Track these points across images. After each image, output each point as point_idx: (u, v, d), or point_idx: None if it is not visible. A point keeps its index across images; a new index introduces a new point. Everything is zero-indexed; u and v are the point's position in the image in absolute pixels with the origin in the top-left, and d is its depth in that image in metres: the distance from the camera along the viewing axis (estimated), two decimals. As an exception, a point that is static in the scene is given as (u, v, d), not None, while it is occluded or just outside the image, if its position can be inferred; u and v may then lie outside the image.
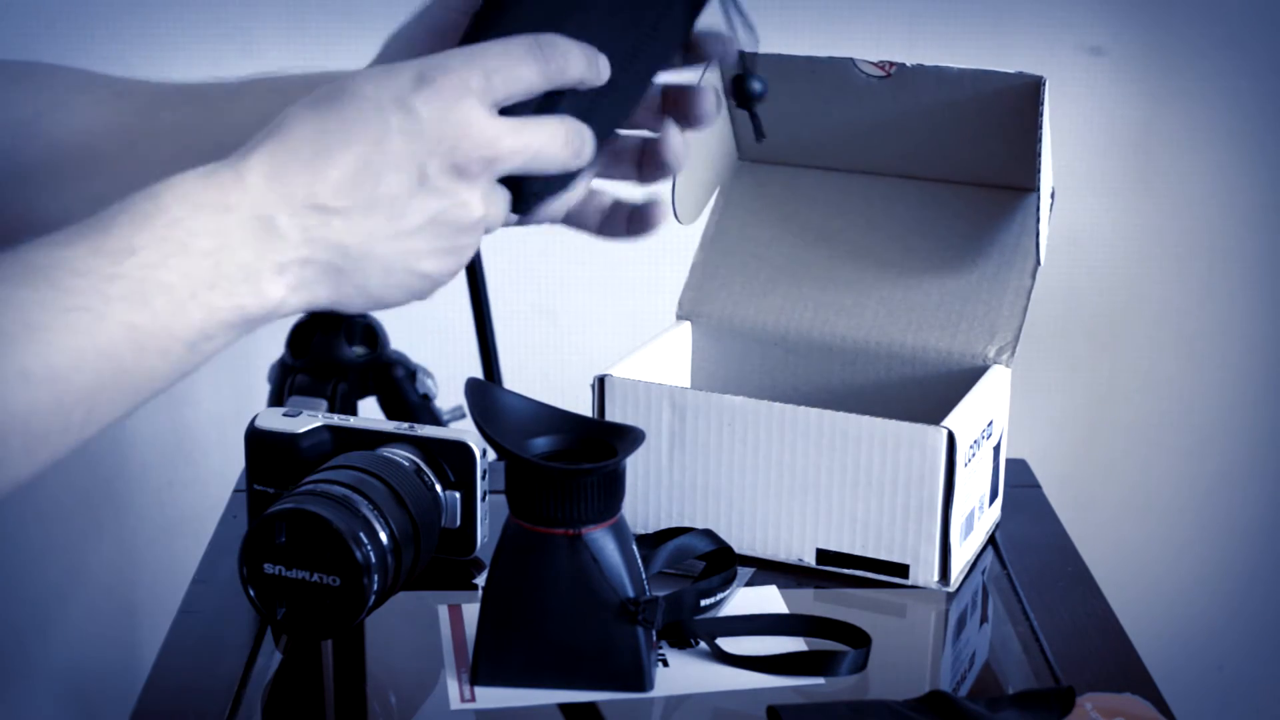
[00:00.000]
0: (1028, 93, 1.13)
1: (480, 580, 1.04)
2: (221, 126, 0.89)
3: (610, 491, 0.94)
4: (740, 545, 1.11)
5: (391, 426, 1.10)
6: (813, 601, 1.08)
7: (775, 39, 1.82)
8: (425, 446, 1.09)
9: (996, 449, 1.16)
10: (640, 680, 0.95)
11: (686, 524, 1.12)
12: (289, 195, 0.74)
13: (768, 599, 1.08)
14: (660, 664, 0.98)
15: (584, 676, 0.95)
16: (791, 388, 1.22)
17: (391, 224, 0.76)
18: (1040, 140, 1.10)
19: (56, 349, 0.69)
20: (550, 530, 0.93)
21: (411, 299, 0.79)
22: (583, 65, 0.79)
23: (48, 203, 0.91)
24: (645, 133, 0.88)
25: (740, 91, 0.86)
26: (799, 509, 1.10)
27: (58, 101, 0.92)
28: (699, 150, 1.20)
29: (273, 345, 1.69)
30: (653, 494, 1.13)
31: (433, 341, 1.82)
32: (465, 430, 1.09)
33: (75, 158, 0.91)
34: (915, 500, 1.07)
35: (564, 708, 0.95)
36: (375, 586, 0.97)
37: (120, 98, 0.92)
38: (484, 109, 0.76)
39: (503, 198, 0.79)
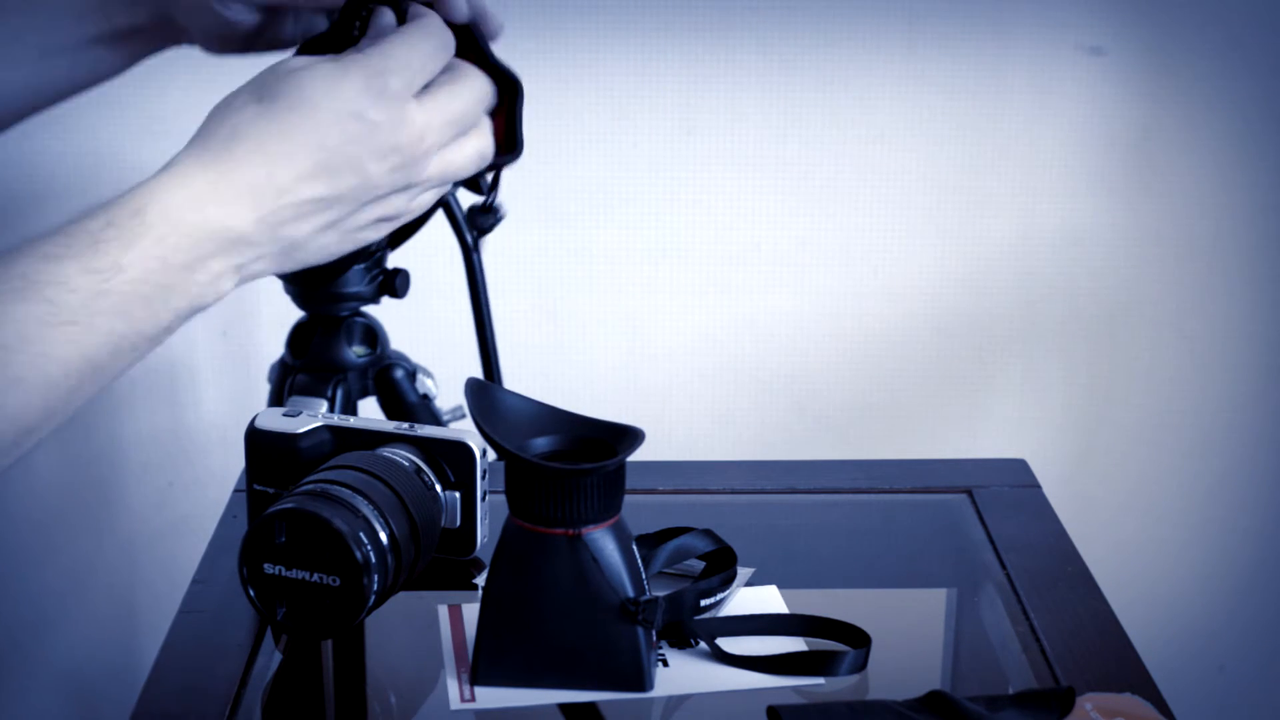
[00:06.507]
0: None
1: (480, 580, 1.04)
2: None
3: (610, 491, 0.94)
4: None
5: (391, 426, 1.10)
6: (813, 601, 1.08)
7: (775, 39, 1.83)
8: (425, 446, 1.09)
9: None
10: (640, 680, 0.95)
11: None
12: (258, 202, 0.82)
13: (768, 599, 1.08)
14: (660, 664, 0.98)
15: (584, 676, 0.95)
16: None
17: (337, 212, 0.85)
18: None
19: (50, 360, 0.77)
20: (550, 530, 0.93)
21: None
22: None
23: None
24: None
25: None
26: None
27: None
28: None
29: (273, 345, 1.68)
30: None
31: (433, 341, 1.82)
32: (465, 430, 1.09)
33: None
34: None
35: (564, 708, 0.95)
36: (375, 586, 0.97)
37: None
38: (414, 103, 0.85)
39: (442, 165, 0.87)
